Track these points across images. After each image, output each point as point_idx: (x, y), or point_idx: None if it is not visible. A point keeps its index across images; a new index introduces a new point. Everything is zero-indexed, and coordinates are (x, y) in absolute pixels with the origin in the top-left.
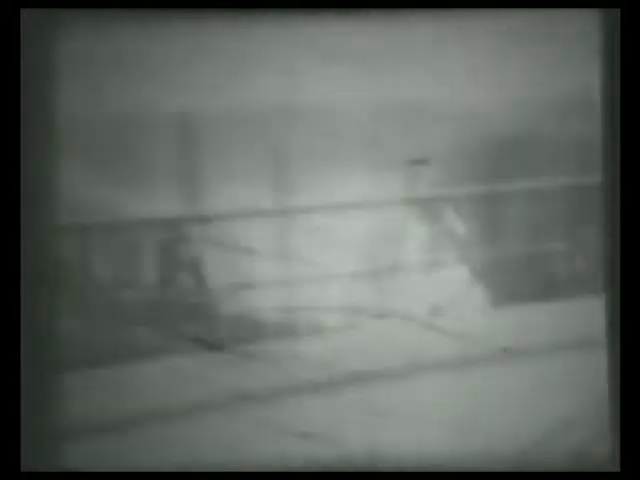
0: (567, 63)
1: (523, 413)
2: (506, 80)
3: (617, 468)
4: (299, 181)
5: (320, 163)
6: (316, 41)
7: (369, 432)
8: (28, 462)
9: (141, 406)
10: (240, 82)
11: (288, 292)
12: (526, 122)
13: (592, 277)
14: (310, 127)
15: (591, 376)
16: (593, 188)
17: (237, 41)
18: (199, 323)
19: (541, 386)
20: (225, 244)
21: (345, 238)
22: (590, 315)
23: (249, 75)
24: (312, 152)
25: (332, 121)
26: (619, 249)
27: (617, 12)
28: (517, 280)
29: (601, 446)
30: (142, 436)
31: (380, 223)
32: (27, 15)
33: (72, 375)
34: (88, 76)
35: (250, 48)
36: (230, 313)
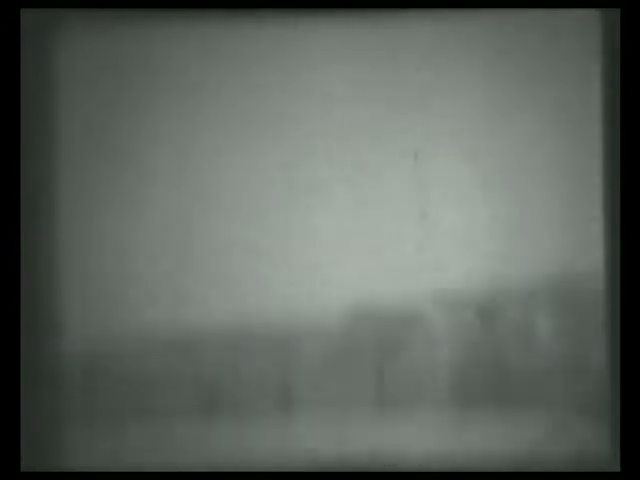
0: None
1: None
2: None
3: (617, 468)
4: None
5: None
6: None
7: None
8: (28, 462)
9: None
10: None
11: None
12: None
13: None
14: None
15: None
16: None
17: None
18: None
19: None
20: None
21: None
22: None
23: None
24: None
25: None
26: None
27: (617, 12)
28: None
29: (601, 446)
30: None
31: None
32: (27, 15)
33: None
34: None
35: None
36: None
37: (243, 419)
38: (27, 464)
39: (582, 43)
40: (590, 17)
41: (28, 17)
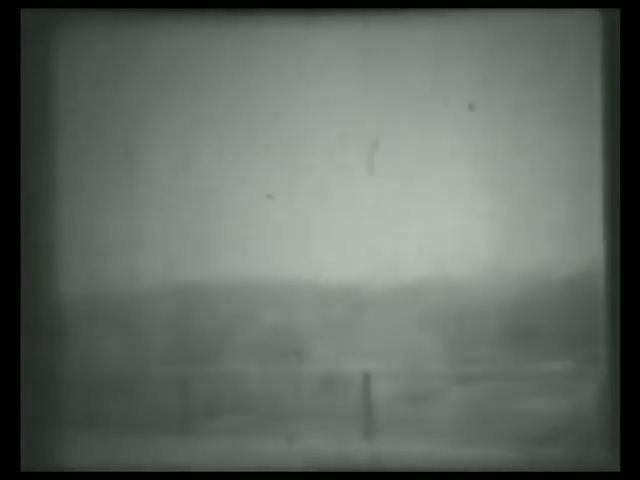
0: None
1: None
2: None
3: (617, 468)
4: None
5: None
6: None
7: None
8: (28, 462)
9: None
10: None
11: None
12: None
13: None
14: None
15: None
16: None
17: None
18: None
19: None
20: None
21: None
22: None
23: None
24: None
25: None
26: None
27: (617, 12)
28: None
29: (601, 446)
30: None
31: None
32: (27, 15)
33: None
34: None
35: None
36: None
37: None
38: (27, 464)
39: (582, 43)
40: (590, 17)
41: (28, 17)
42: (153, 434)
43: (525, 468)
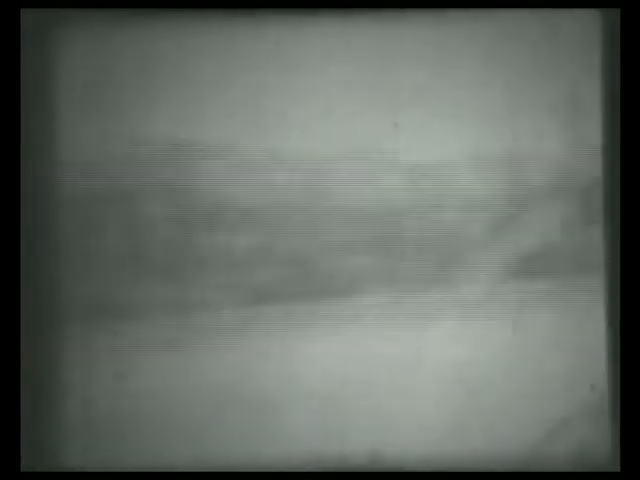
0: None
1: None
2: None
3: (617, 468)
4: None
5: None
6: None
7: None
8: (28, 462)
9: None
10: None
11: None
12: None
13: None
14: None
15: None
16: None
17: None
18: None
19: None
20: None
21: None
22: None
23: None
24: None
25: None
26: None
27: (617, 12)
28: None
29: (601, 446)
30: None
31: None
32: (27, 15)
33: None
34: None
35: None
36: None
37: None
38: (27, 464)
39: (582, 43)
40: (590, 17)
41: (28, 17)
42: None
43: (525, 468)
